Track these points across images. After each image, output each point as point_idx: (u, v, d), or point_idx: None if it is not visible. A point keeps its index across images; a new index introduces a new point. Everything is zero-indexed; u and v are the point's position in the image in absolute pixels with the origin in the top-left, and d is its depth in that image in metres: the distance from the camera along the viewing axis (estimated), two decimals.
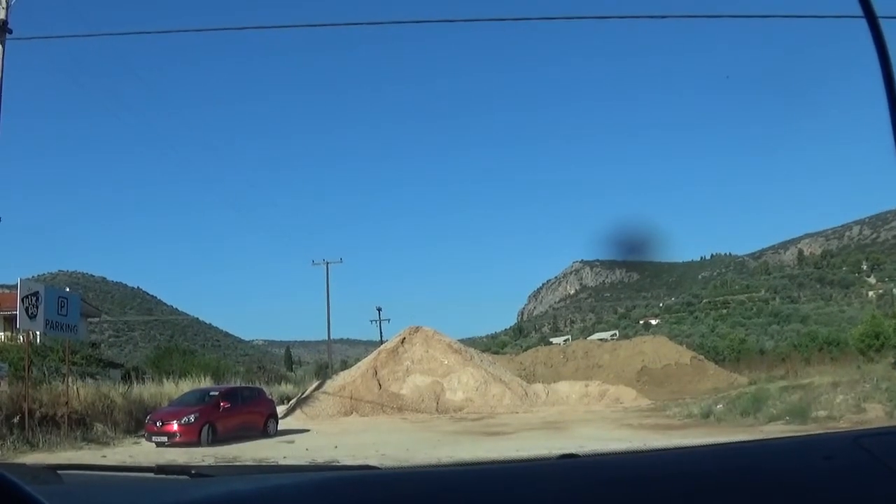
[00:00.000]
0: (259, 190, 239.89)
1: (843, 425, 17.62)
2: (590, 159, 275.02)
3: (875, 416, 18.96)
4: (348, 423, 27.81)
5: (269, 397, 26.54)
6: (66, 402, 21.12)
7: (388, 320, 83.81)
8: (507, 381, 34.09)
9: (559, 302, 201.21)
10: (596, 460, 2.31)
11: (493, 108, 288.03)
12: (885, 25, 1.93)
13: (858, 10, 1.98)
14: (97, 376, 31.90)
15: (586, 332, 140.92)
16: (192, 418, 20.64)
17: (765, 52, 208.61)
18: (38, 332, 25.55)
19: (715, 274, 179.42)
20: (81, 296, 35.98)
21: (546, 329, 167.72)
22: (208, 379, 34.87)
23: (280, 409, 27.44)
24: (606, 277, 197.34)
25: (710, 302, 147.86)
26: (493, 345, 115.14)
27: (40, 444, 18.85)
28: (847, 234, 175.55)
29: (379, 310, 68.32)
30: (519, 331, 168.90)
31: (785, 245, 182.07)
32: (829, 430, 13.41)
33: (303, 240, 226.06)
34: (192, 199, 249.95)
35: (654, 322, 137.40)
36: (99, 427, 22.25)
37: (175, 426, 20.35)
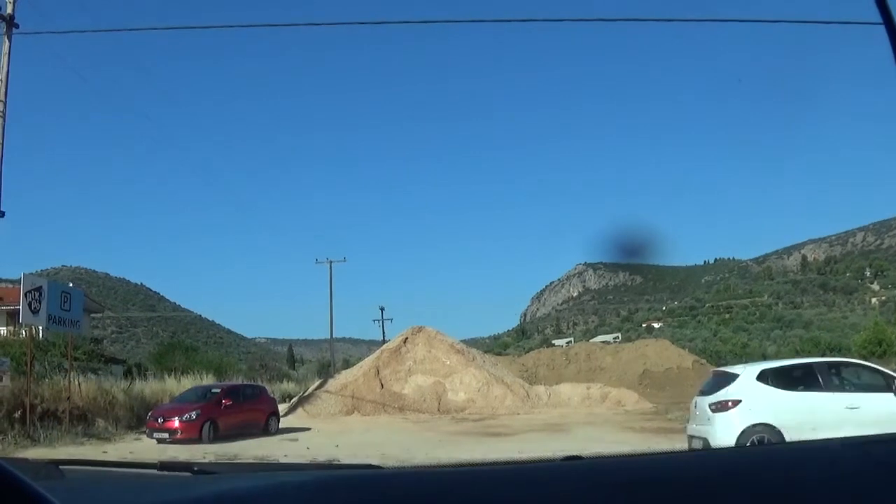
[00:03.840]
0: (264, 188, 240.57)
1: None
2: (594, 162, 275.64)
3: None
4: (350, 422, 27.81)
5: (271, 395, 26.56)
6: (68, 398, 21.14)
7: (391, 320, 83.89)
8: (509, 382, 34.06)
9: (562, 304, 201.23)
10: (600, 462, 2.30)
11: (498, 109, 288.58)
12: None
13: (868, 16, 1.97)
14: (99, 372, 31.95)
15: (589, 334, 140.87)
16: (193, 415, 20.64)
17: (770, 57, 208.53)
18: (40, 327, 25.59)
19: (718, 278, 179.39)
20: (84, 291, 36.06)
21: (548, 331, 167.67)
22: (210, 376, 34.92)
23: (282, 408, 27.45)
24: (609, 280, 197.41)
25: (713, 306, 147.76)
26: (495, 346, 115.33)
27: (41, 440, 18.86)
28: (851, 240, 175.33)
29: (382, 309, 68.43)
30: (521, 332, 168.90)
31: (788, 250, 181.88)
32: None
33: (307, 238, 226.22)
34: (197, 196, 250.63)
35: (656, 325, 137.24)
36: (100, 423, 22.29)
37: (176, 423, 20.35)
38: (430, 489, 1.80)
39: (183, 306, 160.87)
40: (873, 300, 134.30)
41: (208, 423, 20.72)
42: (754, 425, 11.98)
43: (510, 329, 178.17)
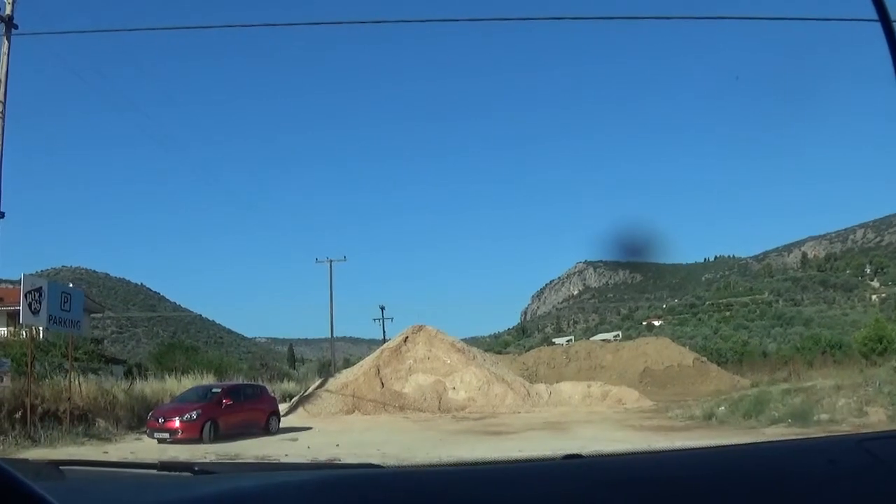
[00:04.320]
0: (264, 187, 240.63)
1: (846, 429, 17.56)
2: (595, 160, 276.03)
3: (877, 419, 18.90)
4: (350, 421, 27.79)
5: (272, 395, 26.54)
6: (69, 398, 21.12)
7: (392, 319, 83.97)
8: (510, 381, 34.04)
9: (562, 302, 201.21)
10: (601, 461, 2.30)
11: (498, 109, 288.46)
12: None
13: (866, 13, 1.98)
14: (100, 372, 31.92)
15: (589, 332, 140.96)
16: (194, 415, 20.61)
17: (769, 56, 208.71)
18: (40, 328, 25.58)
19: (718, 276, 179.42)
20: (85, 292, 36.05)
21: (549, 329, 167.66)
22: (211, 376, 34.89)
23: (282, 407, 27.42)
24: (610, 278, 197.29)
25: (713, 304, 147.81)
26: (495, 345, 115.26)
27: (42, 440, 18.84)
28: (851, 237, 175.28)
29: (382, 308, 68.54)
30: (522, 331, 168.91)
31: (788, 248, 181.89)
32: (831, 434, 13.39)
33: (307, 238, 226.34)
34: (197, 195, 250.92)
35: (657, 323, 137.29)
36: (101, 423, 22.27)
37: (177, 423, 20.32)
38: (431, 488, 1.80)
39: (183, 306, 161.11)
40: (873, 297, 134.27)
41: (209, 423, 20.70)
42: None
43: (510, 328, 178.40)
